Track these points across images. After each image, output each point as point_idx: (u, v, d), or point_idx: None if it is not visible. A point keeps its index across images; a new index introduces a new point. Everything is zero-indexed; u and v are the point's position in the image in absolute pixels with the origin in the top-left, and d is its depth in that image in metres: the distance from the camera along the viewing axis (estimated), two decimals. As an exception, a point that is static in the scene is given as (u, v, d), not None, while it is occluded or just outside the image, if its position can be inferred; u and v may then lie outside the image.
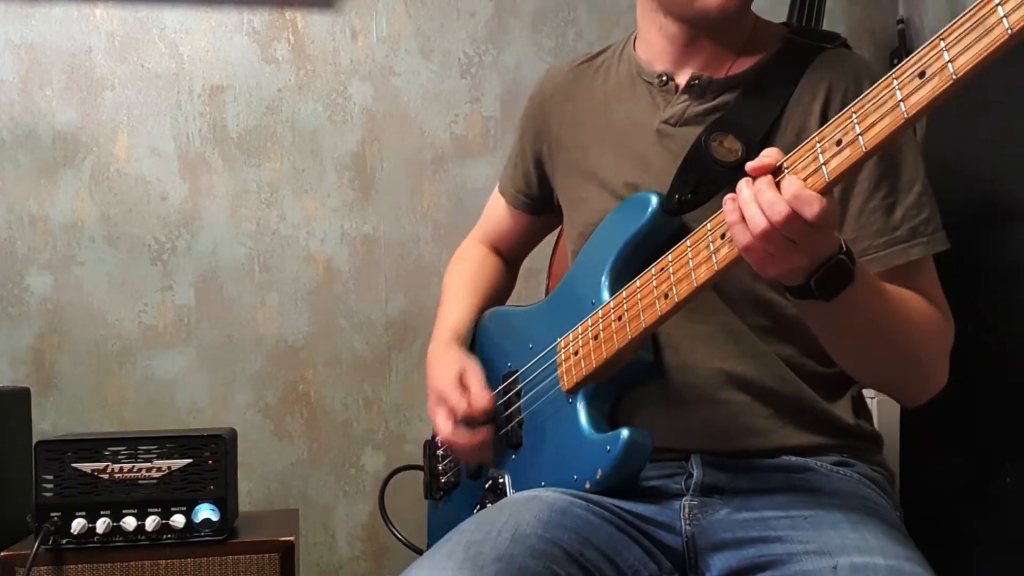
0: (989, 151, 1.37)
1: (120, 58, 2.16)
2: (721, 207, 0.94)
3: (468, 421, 1.18)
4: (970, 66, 0.74)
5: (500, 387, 1.23)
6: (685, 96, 1.15)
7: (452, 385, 1.20)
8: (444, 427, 1.19)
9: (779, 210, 0.85)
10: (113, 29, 2.16)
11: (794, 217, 0.84)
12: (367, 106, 2.24)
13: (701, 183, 1.07)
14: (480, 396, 1.18)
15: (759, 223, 0.86)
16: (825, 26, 2.06)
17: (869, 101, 0.82)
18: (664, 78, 1.17)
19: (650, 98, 1.19)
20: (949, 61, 0.75)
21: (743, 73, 1.14)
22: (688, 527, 1.04)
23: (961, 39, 0.74)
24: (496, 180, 1.45)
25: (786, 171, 0.87)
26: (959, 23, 0.75)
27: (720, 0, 1.08)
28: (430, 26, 2.27)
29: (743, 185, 0.89)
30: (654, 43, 1.19)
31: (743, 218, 0.88)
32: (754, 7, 1.20)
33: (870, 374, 1.09)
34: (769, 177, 0.88)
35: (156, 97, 2.17)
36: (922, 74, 0.77)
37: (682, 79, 1.16)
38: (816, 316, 0.99)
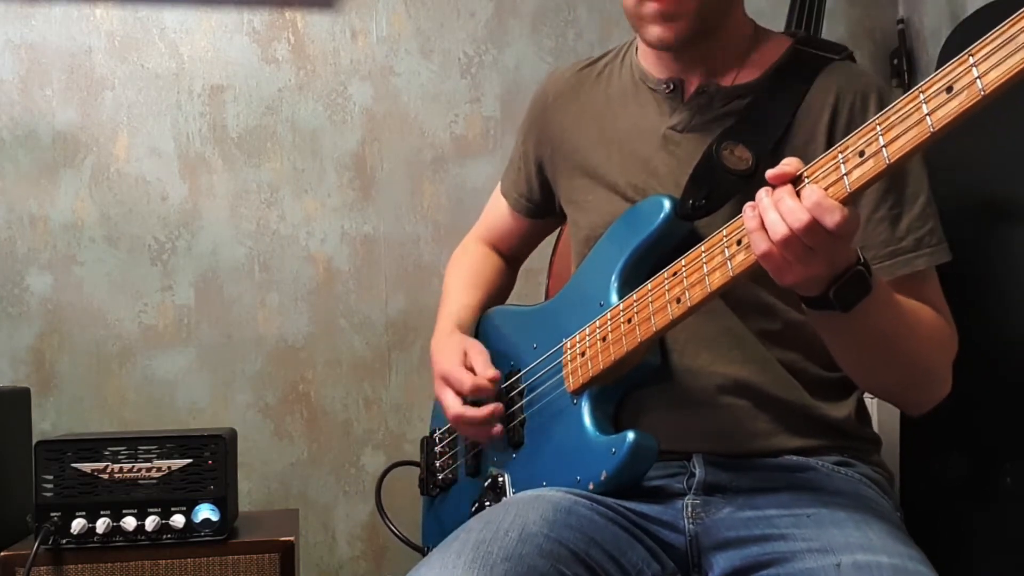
0: (988, 150, 1.37)
1: (120, 58, 2.16)
2: (731, 216, 0.95)
3: (475, 397, 1.18)
4: (999, 83, 0.74)
5: (502, 386, 1.23)
6: (693, 104, 1.16)
7: (456, 362, 1.21)
8: (452, 405, 1.19)
9: (799, 217, 0.85)
10: (113, 29, 2.15)
11: (815, 225, 0.85)
12: (367, 106, 2.24)
13: (712, 191, 1.08)
14: (484, 371, 1.18)
15: (779, 230, 0.86)
16: (825, 26, 2.06)
17: (894, 113, 0.81)
18: (670, 85, 1.17)
19: (655, 104, 1.19)
20: (978, 77, 0.75)
21: (751, 83, 1.15)
22: (691, 526, 1.04)
23: (991, 55, 0.74)
24: (496, 180, 1.45)
25: (806, 180, 0.88)
26: (990, 39, 0.75)
27: (656, 34, 1.10)
28: (430, 26, 2.27)
29: (763, 193, 0.89)
30: (652, 54, 1.20)
31: (763, 225, 0.88)
32: (754, 9, 1.21)
33: (878, 383, 1.09)
34: (789, 186, 0.88)
35: (156, 97, 2.17)
36: (950, 89, 0.77)
37: (689, 87, 1.17)
38: (830, 327, 0.99)
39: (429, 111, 2.26)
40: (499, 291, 1.42)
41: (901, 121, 0.81)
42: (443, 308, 1.36)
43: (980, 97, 0.75)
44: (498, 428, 1.18)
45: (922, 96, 0.79)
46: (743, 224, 0.92)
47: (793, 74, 1.14)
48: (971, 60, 0.75)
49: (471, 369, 1.20)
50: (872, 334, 0.99)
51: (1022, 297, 1.32)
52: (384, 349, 2.23)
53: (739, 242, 0.94)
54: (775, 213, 0.87)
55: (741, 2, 1.17)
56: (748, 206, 0.90)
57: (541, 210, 1.37)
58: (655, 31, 1.10)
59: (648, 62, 1.21)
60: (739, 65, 1.16)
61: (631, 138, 1.19)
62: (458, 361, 1.21)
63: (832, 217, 0.84)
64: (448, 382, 1.21)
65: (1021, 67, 0.73)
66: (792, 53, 1.16)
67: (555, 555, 0.93)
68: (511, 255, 1.46)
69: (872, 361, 1.04)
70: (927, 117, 0.79)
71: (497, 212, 1.43)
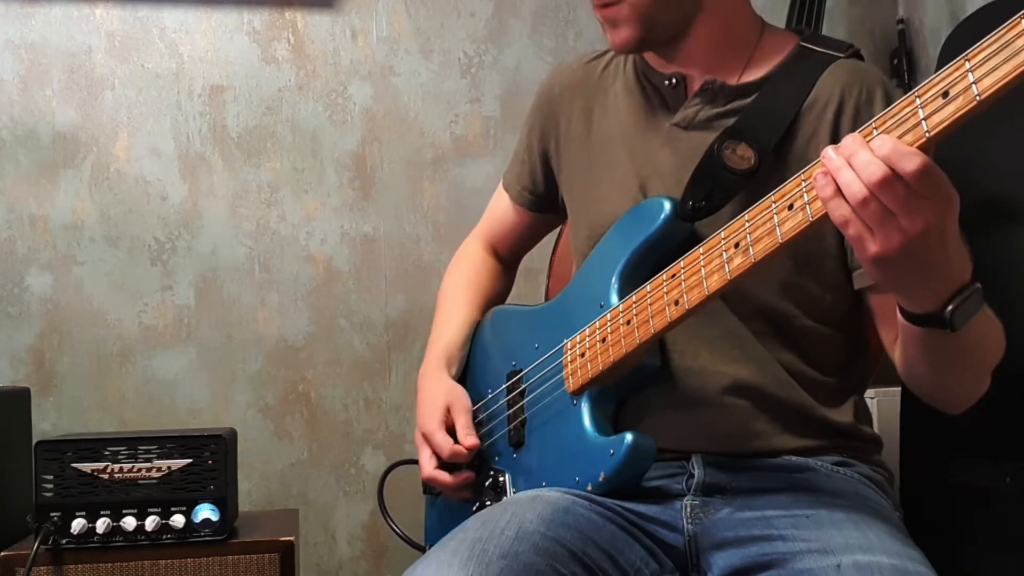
0: (989, 150, 1.37)
1: (120, 58, 2.16)
2: (733, 215, 0.94)
3: (450, 464, 1.20)
4: (995, 88, 0.74)
5: (504, 385, 1.23)
6: (697, 100, 1.15)
7: (437, 424, 1.22)
8: (426, 467, 1.22)
9: (874, 171, 0.78)
10: (113, 29, 2.16)
11: (891, 178, 0.78)
12: (367, 106, 2.24)
13: (714, 190, 1.07)
14: (464, 438, 1.20)
15: (856, 190, 0.79)
16: (825, 26, 2.06)
17: (891, 118, 0.81)
18: (674, 80, 1.17)
19: (659, 100, 1.19)
20: (974, 82, 0.75)
21: (755, 80, 1.14)
22: (690, 526, 1.04)
23: (987, 61, 0.74)
24: (496, 180, 1.45)
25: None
26: (986, 44, 0.74)
27: (612, 41, 1.14)
28: (430, 26, 2.27)
29: (831, 150, 0.83)
30: None
31: (838, 190, 0.81)
32: (753, 8, 1.21)
33: (954, 393, 1.04)
34: (859, 135, 0.82)
35: (156, 97, 2.17)
36: (946, 94, 0.77)
37: (694, 83, 1.17)
38: (932, 344, 0.94)
39: (429, 111, 2.26)
40: (495, 299, 1.41)
41: (898, 126, 0.80)
42: (436, 326, 1.37)
43: (975, 103, 0.75)
44: (467, 494, 1.21)
45: (919, 101, 0.79)
46: (754, 217, 0.90)
47: (798, 72, 1.13)
48: (967, 65, 0.75)
49: (452, 428, 1.22)
50: (970, 348, 0.95)
51: (1022, 297, 1.32)
52: (384, 349, 2.23)
53: (737, 245, 0.93)
54: (849, 171, 0.80)
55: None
56: (819, 172, 0.83)
57: (544, 204, 1.37)
58: (609, 38, 1.14)
59: (651, 57, 1.21)
60: (744, 62, 1.16)
61: (635, 134, 1.19)
62: (440, 421, 1.22)
63: (911, 162, 0.77)
64: (428, 442, 1.23)
65: (1016, 73, 0.72)
66: (798, 51, 1.16)
67: (552, 554, 0.92)
68: (510, 255, 1.46)
69: (960, 374, 1.00)
70: (923, 122, 0.78)
71: (499, 207, 1.43)
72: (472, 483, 1.22)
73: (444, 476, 1.21)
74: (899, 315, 0.92)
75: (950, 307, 0.86)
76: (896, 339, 1.04)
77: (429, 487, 1.38)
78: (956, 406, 1.06)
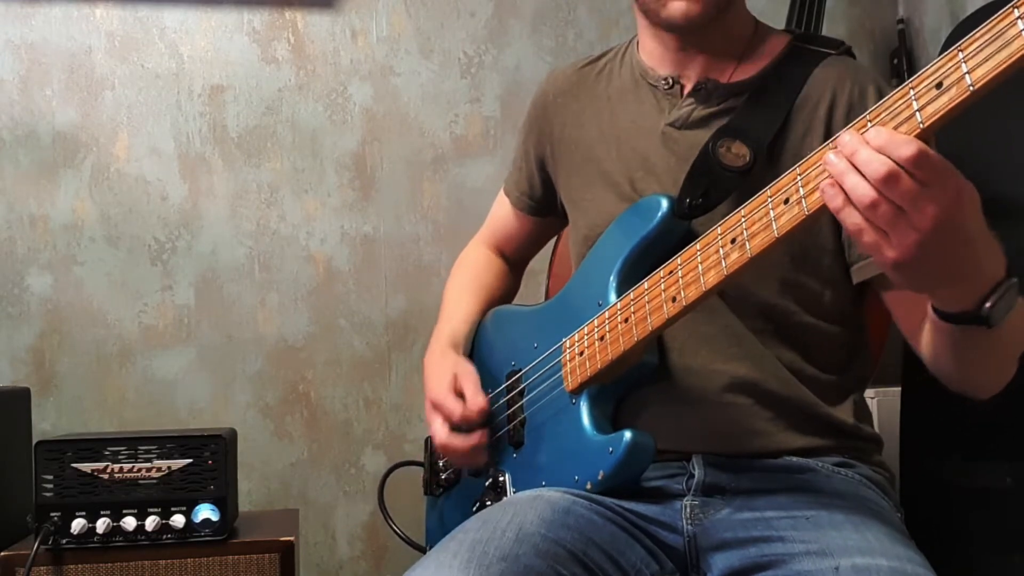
0: (990, 149, 1.37)
1: (120, 58, 2.16)
2: (729, 213, 0.94)
3: (463, 425, 1.19)
4: (988, 78, 0.73)
5: (503, 385, 1.23)
6: (691, 100, 1.16)
7: (446, 391, 1.21)
8: (440, 433, 1.20)
9: (877, 167, 0.77)
10: (113, 29, 2.16)
11: (895, 171, 0.76)
12: (367, 106, 2.24)
13: (710, 188, 1.07)
14: (474, 399, 1.18)
15: (863, 192, 0.77)
16: (825, 26, 2.06)
17: (885, 110, 0.81)
18: (670, 81, 1.18)
19: (655, 101, 1.19)
20: (967, 72, 0.74)
21: (749, 79, 1.15)
22: (690, 527, 1.04)
23: (980, 51, 0.74)
24: (496, 180, 1.45)
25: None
26: (979, 34, 0.74)
27: (682, 9, 1.09)
28: (430, 26, 2.27)
29: (833, 156, 0.81)
30: (653, 49, 1.20)
31: (848, 199, 0.79)
32: (754, 9, 1.21)
33: (985, 381, 1.02)
34: (855, 132, 0.80)
35: (156, 97, 2.17)
36: (939, 84, 0.76)
37: (688, 83, 1.17)
38: (968, 341, 0.93)
39: (429, 111, 2.26)
40: (501, 297, 1.41)
41: (892, 118, 0.80)
42: (441, 318, 1.37)
43: (969, 93, 0.75)
44: (483, 458, 1.20)
45: (912, 92, 0.79)
46: (748, 215, 0.90)
47: (791, 70, 1.14)
48: (960, 55, 0.75)
49: (461, 393, 1.20)
50: (1005, 340, 0.93)
51: (1021, 297, 1.32)
52: (384, 349, 2.23)
53: (733, 240, 0.93)
54: (854, 174, 0.78)
55: None
56: (827, 184, 0.81)
57: (543, 208, 1.37)
58: (680, 7, 1.09)
59: (649, 58, 1.21)
60: (738, 61, 1.16)
61: (630, 135, 1.20)
62: (448, 387, 1.21)
63: (907, 148, 0.76)
64: (438, 409, 1.21)
65: (1009, 63, 0.72)
66: (790, 49, 1.16)
67: (552, 555, 0.92)
68: (516, 258, 1.46)
69: (993, 366, 0.99)
70: (917, 113, 0.78)
71: (501, 212, 1.44)
72: (486, 446, 1.19)
73: (458, 440, 1.19)
74: (930, 312, 0.91)
75: (988, 304, 0.84)
76: (918, 329, 1.03)
77: (430, 487, 1.38)
78: (985, 393, 1.04)
